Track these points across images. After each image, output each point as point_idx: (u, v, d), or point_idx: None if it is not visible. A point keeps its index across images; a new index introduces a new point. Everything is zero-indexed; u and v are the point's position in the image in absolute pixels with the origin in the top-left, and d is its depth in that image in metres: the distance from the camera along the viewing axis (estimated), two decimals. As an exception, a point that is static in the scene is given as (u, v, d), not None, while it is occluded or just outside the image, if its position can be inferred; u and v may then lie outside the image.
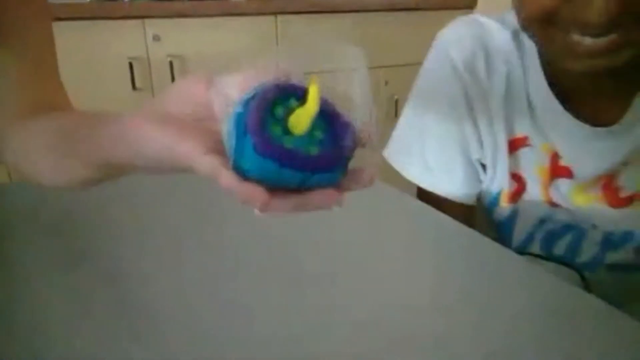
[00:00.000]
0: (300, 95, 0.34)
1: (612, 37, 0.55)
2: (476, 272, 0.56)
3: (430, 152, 0.76)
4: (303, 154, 0.32)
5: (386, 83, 2.22)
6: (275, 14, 1.93)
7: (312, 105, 0.32)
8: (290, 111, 0.33)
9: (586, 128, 0.67)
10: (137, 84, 1.79)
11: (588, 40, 0.56)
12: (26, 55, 0.59)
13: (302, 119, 0.33)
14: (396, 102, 2.25)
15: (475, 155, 0.74)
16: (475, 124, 0.72)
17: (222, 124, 0.33)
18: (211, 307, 0.48)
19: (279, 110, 0.33)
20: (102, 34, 1.71)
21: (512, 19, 0.68)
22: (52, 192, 0.66)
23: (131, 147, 0.36)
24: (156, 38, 1.78)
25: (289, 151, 0.32)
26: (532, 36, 0.65)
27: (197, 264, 0.55)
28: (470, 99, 0.71)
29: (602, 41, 0.56)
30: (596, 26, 0.55)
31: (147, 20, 1.76)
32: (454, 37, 0.73)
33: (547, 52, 0.66)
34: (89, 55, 1.70)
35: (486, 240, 0.61)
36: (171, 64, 1.81)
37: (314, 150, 0.33)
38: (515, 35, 0.70)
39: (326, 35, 2.05)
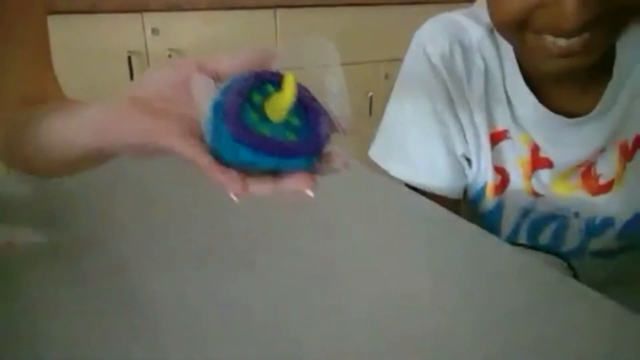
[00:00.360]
0: (277, 83, 0.35)
1: (585, 36, 0.57)
2: (471, 262, 0.56)
3: (414, 149, 0.76)
4: (279, 140, 0.34)
5: (386, 76, 2.21)
6: (274, 7, 1.93)
7: (288, 93, 0.33)
8: (267, 98, 0.34)
9: (562, 119, 0.68)
10: (136, 78, 1.78)
11: (562, 42, 0.57)
12: (21, 48, 0.59)
13: (279, 106, 0.34)
14: (396, 96, 2.25)
15: (460, 151, 0.74)
16: (457, 119, 0.73)
17: (200, 109, 0.34)
18: (211, 305, 0.47)
19: (257, 98, 0.34)
20: (100, 28, 1.71)
21: (486, 15, 0.69)
22: (50, 185, 0.66)
23: (113, 137, 0.38)
24: (155, 32, 1.78)
25: (265, 138, 0.33)
26: (505, 37, 0.66)
27: (197, 262, 0.54)
28: (450, 94, 0.72)
29: (575, 41, 0.57)
30: (569, 30, 0.56)
31: (145, 14, 1.76)
32: (429, 34, 0.73)
33: (521, 53, 0.67)
34: (88, 49, 1.70)
35: (480, 231, 0.61)
36: (170, 57, 1.80)
37: (290, 137, 0.34)
38: (490, 32, 0.70)
39: (326, 28, 2.04)
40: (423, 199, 0.71)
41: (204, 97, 0.33)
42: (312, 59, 0.35)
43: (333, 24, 2.05)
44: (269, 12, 1.93)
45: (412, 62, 0.76)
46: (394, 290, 0.50)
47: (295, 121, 0.35)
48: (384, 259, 0.56)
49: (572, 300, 0.49)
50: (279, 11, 1.94)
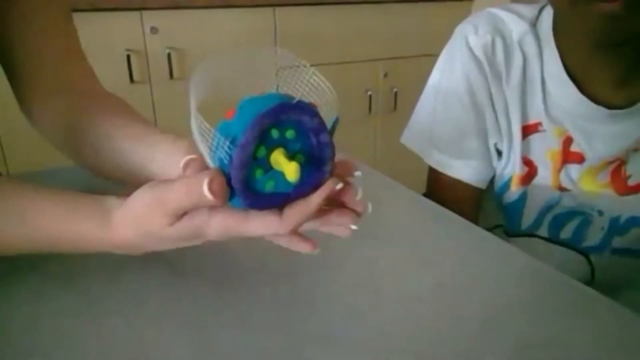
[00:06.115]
0: (283, 122, 0.35)
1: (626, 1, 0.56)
2: (474, 263, 0.56)
3: (449, 136, 0.78)
4: (282, 195, 0.36)
5: (385, 75, 2.21)
6: (273, 5, 1.92)
7: (291, 175, 0.34)
8: (272, 150, 0.35)
9: (600, 109, 0.68)
10: (135, 77, 1.78)
11: (603, 4, 0.57)
12: (53, 40, 0.64)
13: (283, 171, 0.35)
14: (395, 94, 2.25)
15: (493, 140, 0.76)
16: (493, 110, 0.75)
17: (198, 142, 0.35)
18: (213, 306, 0.47)
19: (261, 151, 0.35)
20: (99, 26, 1.70)
21: (527, 12, 0.72)
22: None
23: None
24: (154, 30, 1.77)
25: (270, 196, 0.36)
26: (556, 6, 0.67)
27: (201, 263, 0.54)
28: (489, 86, 0.74)
29: (615, 6, 0.56)
30: None
31: (144, 12, 1.75)
32: (473, 27, 0.75)
33: (569, 20, 0.66)
34: (87, 47, 1.69)
35: (490, 236, 0.61)
36: (169, 56, 1.80)
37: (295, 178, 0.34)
38: (531, 27, 0.73)
39: (325, 27, 2.04)
40: (424, 199, 0.71)
41: (201, 133, 0.34)
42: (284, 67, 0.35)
43: (332, 22, 2.05)
44: (268, 11, 1.93)
45: (453, 53, 0.77)
46: (395, 290, 0.50)
47: (300, 158, 0.36)
48: (385, 258, 0.56)
49: (577, 303, 0.49)
50: (278, 9, 1.94)
